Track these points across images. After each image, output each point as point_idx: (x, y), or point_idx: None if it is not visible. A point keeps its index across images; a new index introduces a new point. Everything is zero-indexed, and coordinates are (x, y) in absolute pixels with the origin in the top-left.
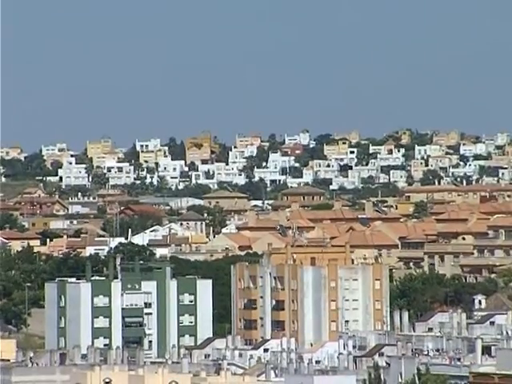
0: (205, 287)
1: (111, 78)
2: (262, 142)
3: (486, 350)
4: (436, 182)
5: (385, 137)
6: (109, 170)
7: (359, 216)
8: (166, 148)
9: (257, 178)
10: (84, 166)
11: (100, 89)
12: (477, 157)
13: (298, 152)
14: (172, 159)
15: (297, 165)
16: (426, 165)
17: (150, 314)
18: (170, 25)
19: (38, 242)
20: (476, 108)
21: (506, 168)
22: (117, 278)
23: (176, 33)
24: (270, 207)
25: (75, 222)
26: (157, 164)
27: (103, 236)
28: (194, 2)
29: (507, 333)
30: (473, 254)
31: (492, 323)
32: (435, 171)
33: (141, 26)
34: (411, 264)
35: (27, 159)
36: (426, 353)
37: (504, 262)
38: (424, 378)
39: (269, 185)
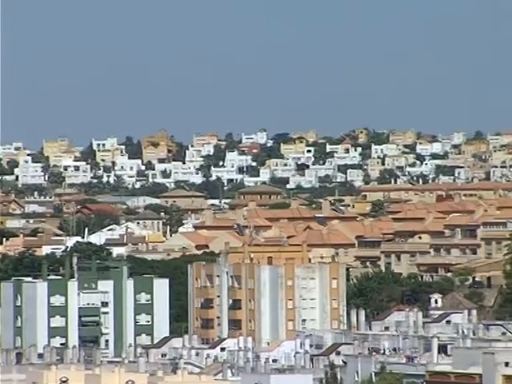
0: (161, 286)
1: (67, 76)
2: (219, 140)
3: (442, 349)
4: (393, 181)
5: (342, 136)
6: (65, 168)
7: (316, 215)
8: (123, 147)
9: (214, 177)
10: (40, 164)
11: (56, 87)
12: (433, 156)
13: (255, 151)
14: (129, 158)
15: (254, 164)
16: (383, 164)
17: (107, 313)
18: (122, 24)
19: None
20: (432, 107)
21: (462, 167)
22: (73, 277)
23: (127, 32)
24: (227, 206)
25: (31, 221)
26: (113, 163)
27: (60, 235)
28: (141, 4)
29: (463, 331)
30: (429, 252)
31: (448, 322)
32: (392, 170)
33: (95, 25)
34: (368, 263)
35: None
36: (382, 352)
37: (460, 260)
38: (380, 376)
39: (226, 184)
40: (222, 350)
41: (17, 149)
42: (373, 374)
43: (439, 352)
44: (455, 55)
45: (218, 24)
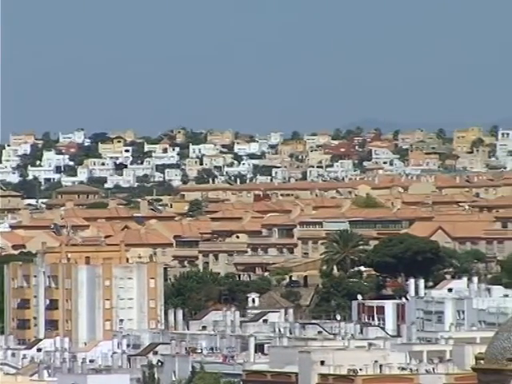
0: None
1: None
2: (36, 140)
3: (259, 348)
4: (210, 181)
5: (160, 136)
6: None
7: (134, 215)
8: None
9: (31, 177)
10: None
11: None
12: (250, 156)
13: (72, 150)
14: None
15: (71, 163)
16: (201, 163)
17: None
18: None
19: None
20: (250, 107)
21: (279, 167)
22: None
23: None
24: (44, 206)
25: None
26: None
27: None
28: None
29: (280, 330)
30: (247, 252)
31: (265, 321)
32: (210, 170)
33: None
34: (186, 262)
35: None
36: (199, 351)
37: (277, 260)
38: (198, 376)
39: (43, 183)
40: (39, 350)
41: None
42: (190, 373)
43: (256, 351)
44: (281, 58)
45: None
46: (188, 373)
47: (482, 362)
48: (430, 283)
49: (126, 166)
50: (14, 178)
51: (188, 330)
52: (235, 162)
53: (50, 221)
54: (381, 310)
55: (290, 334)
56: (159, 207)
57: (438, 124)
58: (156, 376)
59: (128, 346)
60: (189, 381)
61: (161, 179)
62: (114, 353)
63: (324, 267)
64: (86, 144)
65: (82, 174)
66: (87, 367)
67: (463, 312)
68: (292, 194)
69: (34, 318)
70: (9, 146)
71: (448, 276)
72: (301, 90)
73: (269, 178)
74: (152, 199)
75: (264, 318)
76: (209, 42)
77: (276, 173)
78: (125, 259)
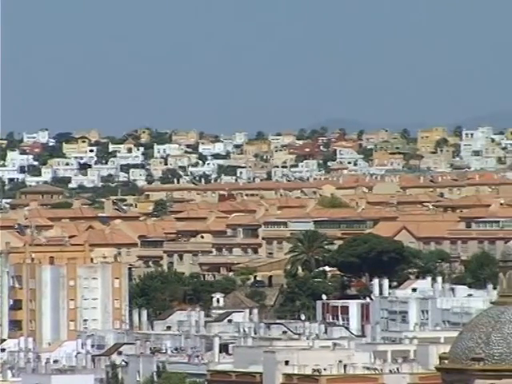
0: None
1: None
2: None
3: (224, 348)
4: (175, 181)
5: (124, 135)
6: None
7: (99, 214)
8: None
9: None
10: None
11: None
12: (215, 156)
13: (36, 150)
14: None
15: (35, 163)
16: (166, 163)
17: None
18: None
19: None
20: (214, 108)
21: (244, 167)
22: None
23: None
24: (8, 206)
25: None
26: None
27: None
28: None
29: (244, 330)
30: (211, 252)
31: (230, 321)
32: (174, 170)
33: None
34: (151, 262)
35: None
36: (164, 351)
37: (242, 260)
38: (163, 376)
39: (7, 183)
40: (3, 350)
41: None
42: (154, 373)
43: (221, 351)
44: (245, 58)
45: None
46: (153, 373)
47: (446, 361)
48: (395, 283)
49: (90, 166)
50: None
51: (152, 330)
52: (200, 162)
53: (13, 221)
54: (345, 309)
55: (255, 333)
56: (124, 207)
57: (403, 124)
58: (120, 376)
59: (92, 346)
60: (151, 381)
61: (125, 179)
62: (79, 353)
63: (289, 267)
64: (51, 144)
65: (47, 174)
66: (51, 367)
67: (427, 312)
68: (257, 194)
69: None
70: None
71: (412, 276)
72: (265, 90)
73: (233, 178)
74: (116, 199)
75: (229, 318)
76: (172, 41)
77: (241, 173)
78: (89, 259)
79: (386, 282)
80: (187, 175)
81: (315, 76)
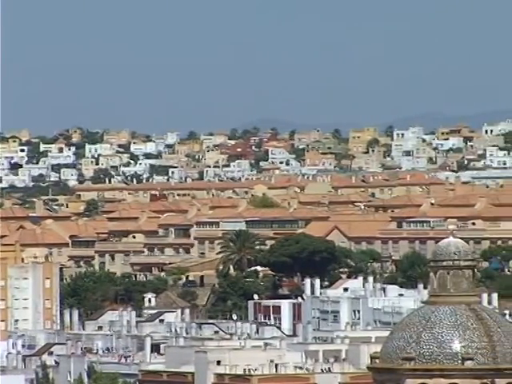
0: None
1: None
2: None
3: (155, 348)
4: (107, 181)
5: (55, 135)
6: None
7: (30, 214)
8: None
9: None
10: None
11: None
12: (147, 155)
13: None
14: None
15: None
16: (97, 163)
17: None
18: None
19: None
20: (146, 107)
21: (175, 167)
22: None
23: None
24: None
25: None
26: None
27: None
28: None
29: (176, 330)
30: (143, 252)
31: (161, 321)
32: (106, 170)
33: None
34: (82, 262)
35: None
36: (95, 351)
37: (173, 260)
38: (94, 376)
39: None
40: None
41: None
42: (85, 373)
43: (152, 351)
44: (179, 58)
45: None
46: (83, 373)
47: (377, 361)
48: (326, 283)
49: (21, 166)
50: None
51: (84, 330)
52: (131, 161)
53: None
54: (277, 309)
55: (187, 333)
56: (55, 207)
57: (334, 124)
58: (51, 376)
59: (23, 346)
60: (80, 381)
61: (56, 179)
62: (9, 353)
63: (220, 267)
64: None
65: None
66: None
67: (359, 311)
68: (189, 194)
69: None
70: None
71: (344, 275)
72: (197, 90)
73: (165, 177)
74: (48, 199)
75: (160, 317)
76: (103, 42)
77: (173, 173)
78: (20, 259)
79: (317, 281)
80: (119, 175)
81: (247, 75)
